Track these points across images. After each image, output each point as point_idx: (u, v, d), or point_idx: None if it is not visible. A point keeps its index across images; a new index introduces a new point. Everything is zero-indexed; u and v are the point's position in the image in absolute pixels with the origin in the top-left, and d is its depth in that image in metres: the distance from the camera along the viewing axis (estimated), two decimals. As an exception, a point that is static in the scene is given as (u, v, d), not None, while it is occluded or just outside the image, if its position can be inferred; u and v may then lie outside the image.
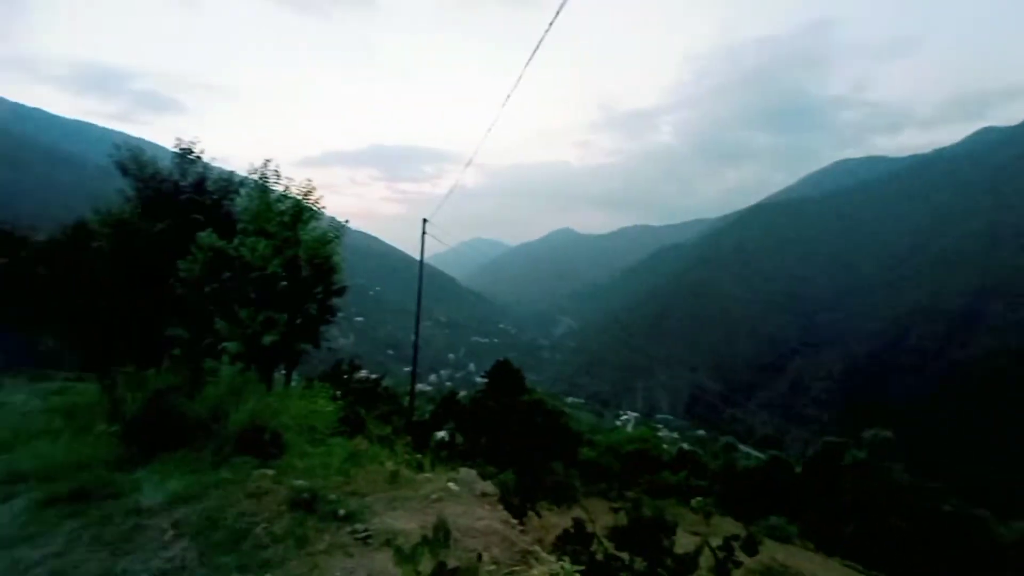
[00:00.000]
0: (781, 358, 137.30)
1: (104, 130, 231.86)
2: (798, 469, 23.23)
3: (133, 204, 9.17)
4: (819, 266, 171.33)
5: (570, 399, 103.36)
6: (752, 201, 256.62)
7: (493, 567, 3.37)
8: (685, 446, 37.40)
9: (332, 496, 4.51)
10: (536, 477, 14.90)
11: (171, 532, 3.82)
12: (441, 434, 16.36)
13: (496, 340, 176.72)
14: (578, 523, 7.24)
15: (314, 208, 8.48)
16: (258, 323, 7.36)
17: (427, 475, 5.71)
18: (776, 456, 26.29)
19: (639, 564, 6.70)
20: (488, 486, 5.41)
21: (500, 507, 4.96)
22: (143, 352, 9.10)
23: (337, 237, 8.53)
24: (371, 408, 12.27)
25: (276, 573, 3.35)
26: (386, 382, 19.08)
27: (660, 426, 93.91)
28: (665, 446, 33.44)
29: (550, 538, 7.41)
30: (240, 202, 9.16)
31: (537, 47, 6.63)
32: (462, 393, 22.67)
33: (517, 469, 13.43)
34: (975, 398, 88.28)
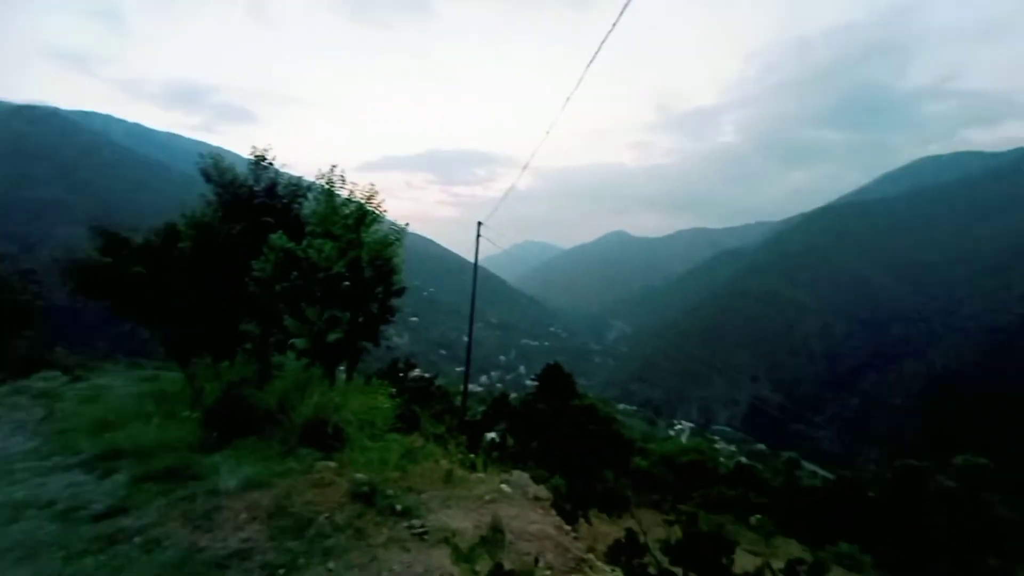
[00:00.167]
0: (851, 371, 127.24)
1: (189, 140, 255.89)
2: (871, 493, 21.41)
3: (214, 208, 9.87)
4: (895, 272, 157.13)
5: (621, 406, 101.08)
6: (821, 203, 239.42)
7: (548, 572, 3.35)
8: (743, 460, 35.65)
9: (390, 491, 4.67)
10: (587, 483, 14.69)
11: (244, 515, 4.10)
12: (492, 435, 16.46)
13: (547, 343, 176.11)
14: (631, 534, 7.07)
15: (376, 211, 8.82)
16: (323, 321, 7.73)
17: (480, 475, 5.77)
18: (846, 476, 24.45)
19: (695, 581, 6.44)
20: (540, 490, 5.40)
21: (552, 512, 4.93)
22: (219, 345, 9.83)
23: (398, 239, 8.81)
24: (425, 406, 12.55)
25: (338, 563, 3.51)
26: (439, 381, 19.46)
27: (716, 438, 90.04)
28: (722, 459, 32.03)
29: (601, 547, 7.27)
30: (308, 205, 9.68)
31: (599, 48, 6.56)
32: (513, 395, 22.74)
33: (568, 474, 13.30)
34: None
